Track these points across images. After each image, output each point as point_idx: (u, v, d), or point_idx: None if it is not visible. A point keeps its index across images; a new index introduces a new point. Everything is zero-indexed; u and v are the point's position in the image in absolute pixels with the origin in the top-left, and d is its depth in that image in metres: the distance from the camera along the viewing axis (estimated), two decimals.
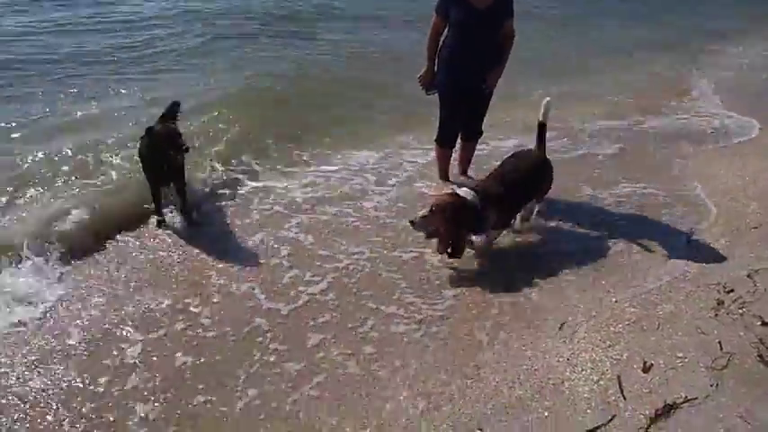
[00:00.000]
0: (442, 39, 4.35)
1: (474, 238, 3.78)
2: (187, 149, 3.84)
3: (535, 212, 4.17)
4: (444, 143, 4.74)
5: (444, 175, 4.89)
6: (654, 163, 5.33)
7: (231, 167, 4.93)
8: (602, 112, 6.78)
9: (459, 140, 4.78)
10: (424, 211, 3.48)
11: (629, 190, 4.74)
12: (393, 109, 6.48)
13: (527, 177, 3.83)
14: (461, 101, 4.47)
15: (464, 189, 3.63)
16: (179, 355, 3.01)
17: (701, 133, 6.13)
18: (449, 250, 3.56)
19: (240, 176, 4.83)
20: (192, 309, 3.34)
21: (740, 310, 3.08)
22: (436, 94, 4.54)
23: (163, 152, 3.83)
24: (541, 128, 4.01)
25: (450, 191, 3.72)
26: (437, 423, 2.57)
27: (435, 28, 4.31)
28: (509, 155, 4.11)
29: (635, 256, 3.81)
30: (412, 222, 3.48)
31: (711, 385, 2.58)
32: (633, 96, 7.38)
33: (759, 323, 2.94)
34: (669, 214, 4.35)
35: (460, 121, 4.62)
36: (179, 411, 2.69)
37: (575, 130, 6.12)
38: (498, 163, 4.08)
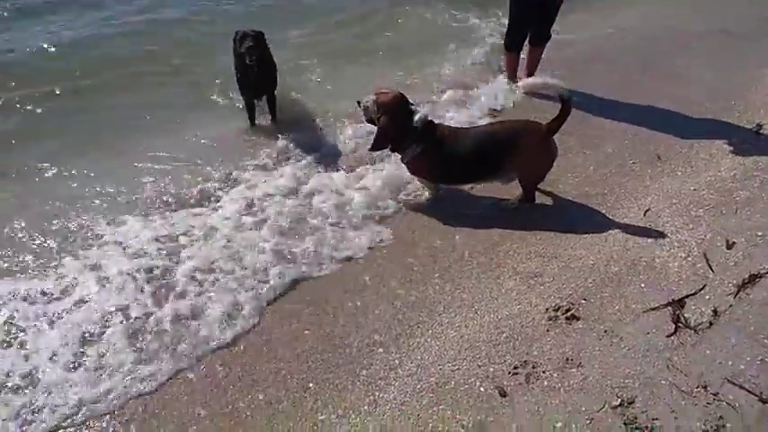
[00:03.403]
0: None
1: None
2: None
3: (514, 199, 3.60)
4: (512, 47, 4.83)
5: (513, 80, 5.00)
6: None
7: None
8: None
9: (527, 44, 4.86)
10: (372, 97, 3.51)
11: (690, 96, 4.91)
12: None
13: (487, 145, 3.36)
14: (532, 4, 4.51)
15: (423, 109, 3.59)
16: None
17: None
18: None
19: None
20: None
21: None
22: None
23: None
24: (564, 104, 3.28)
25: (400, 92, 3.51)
26: (545, 296, 2.90)
27: None
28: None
29: (707, 149, 4.00)
30: (359, 102, 3.54)
31: None
32: None
33: None
34: (734, 111, 4.50)
35: (529, 25, 4.67)
36: None
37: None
38: None
